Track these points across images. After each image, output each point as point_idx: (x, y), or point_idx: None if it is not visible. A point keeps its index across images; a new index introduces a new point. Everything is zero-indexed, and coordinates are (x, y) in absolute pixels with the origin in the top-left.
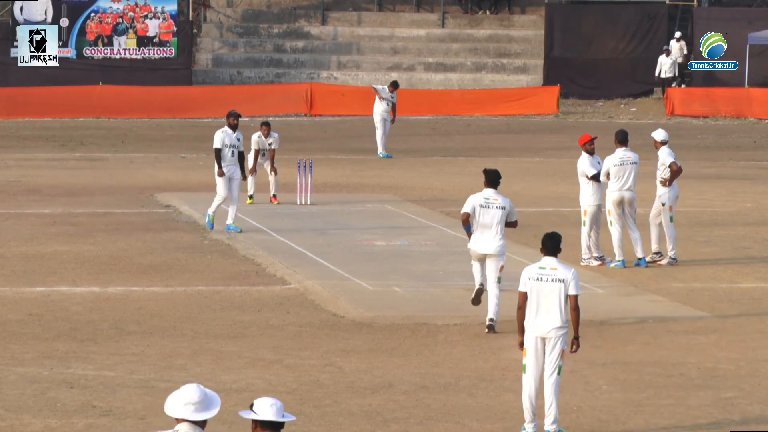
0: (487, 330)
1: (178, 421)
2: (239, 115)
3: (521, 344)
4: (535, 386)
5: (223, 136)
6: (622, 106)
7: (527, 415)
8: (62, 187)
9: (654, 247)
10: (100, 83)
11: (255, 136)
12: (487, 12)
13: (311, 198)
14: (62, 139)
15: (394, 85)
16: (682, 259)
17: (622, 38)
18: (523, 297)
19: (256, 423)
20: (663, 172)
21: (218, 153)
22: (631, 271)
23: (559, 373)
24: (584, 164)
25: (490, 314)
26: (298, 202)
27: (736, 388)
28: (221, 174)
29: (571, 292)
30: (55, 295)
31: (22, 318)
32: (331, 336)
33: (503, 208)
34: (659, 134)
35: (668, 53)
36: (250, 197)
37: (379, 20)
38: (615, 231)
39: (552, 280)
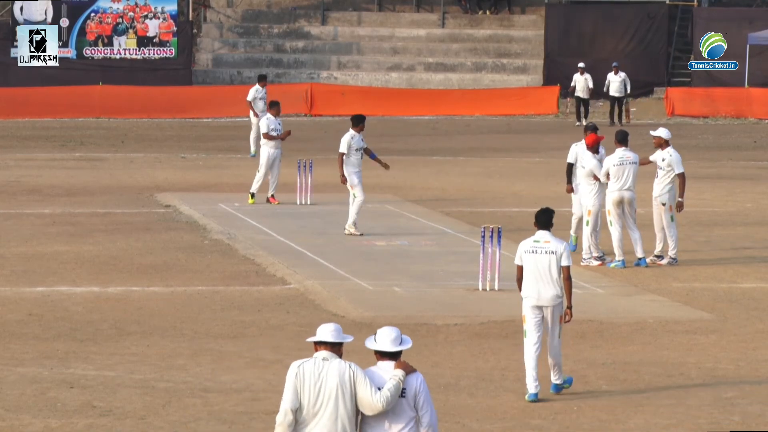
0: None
1: (316, 348)
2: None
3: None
4: (536, 350)
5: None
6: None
7: (530, 378)
8: (62, 187)
9: (658, 248)
10: (100, 83)
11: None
12: (487, 12)
13: (311, 198)
14: (62, 139)
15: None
16: (682, 259)
17: (622, 38)
18: (520, 270)
19: (378, 351)
20: (668, 173)
21: (571, 168)
22: (631, 271)
23: (559, 336)
24: (593, 164)
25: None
26: (298, 202)
27: (736, 388)
28: (570, 190)
29: (563, 263)
30: (55, 295)
31: (22, 318)
32: None
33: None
34: (664, 132)
35: (617, 70)
36: (252, 196)
37: (379, 20)
38: (615, 231)
39: (546, 252)
